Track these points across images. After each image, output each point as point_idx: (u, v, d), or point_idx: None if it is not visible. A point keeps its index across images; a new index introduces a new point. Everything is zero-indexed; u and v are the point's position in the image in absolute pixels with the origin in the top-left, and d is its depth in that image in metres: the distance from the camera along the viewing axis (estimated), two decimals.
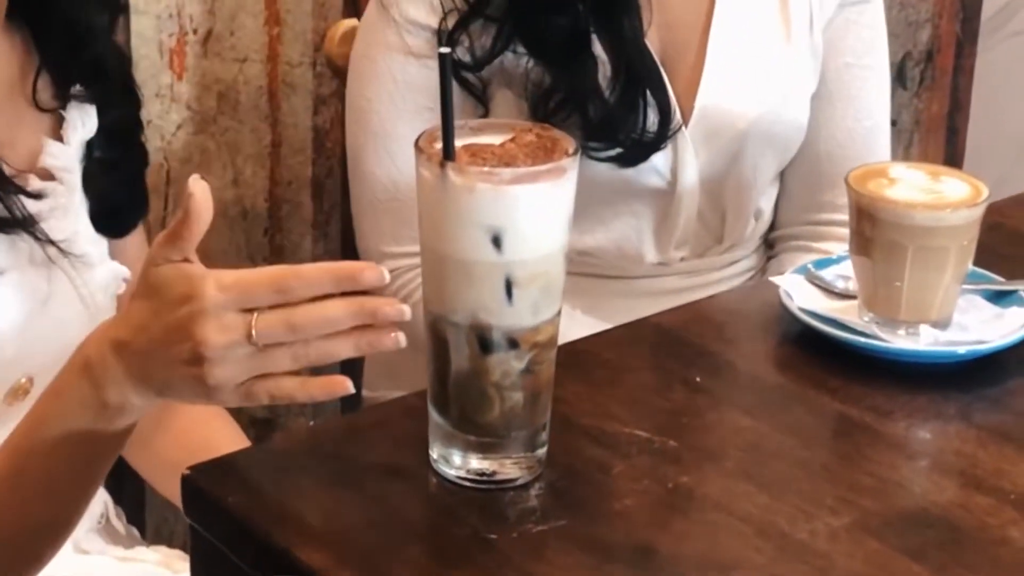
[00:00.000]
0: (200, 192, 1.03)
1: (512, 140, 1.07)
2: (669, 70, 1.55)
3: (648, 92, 1.51)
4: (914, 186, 1.27)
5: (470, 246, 1.02)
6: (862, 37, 1.64)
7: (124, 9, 1.46)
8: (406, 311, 1.00)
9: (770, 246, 1.71)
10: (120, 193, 1.41)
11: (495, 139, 1.07)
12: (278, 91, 2.04)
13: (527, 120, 1.47)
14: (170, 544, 2.06)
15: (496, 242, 1.01)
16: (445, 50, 1.02)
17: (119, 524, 1.54)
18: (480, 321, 1.03)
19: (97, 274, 1.36)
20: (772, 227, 1.70)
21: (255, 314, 1.01)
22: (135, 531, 1.57)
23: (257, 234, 2.08)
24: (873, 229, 1.25)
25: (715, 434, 1.15)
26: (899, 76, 2.67)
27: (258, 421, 2.14)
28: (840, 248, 1.46)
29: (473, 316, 1.03)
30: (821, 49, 1.61)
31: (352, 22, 1.80)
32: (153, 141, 1.94)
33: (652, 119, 1.52)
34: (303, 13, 2.02)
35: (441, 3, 1.52)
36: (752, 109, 1.57)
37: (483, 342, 1.04)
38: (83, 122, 1.36)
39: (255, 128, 2.03)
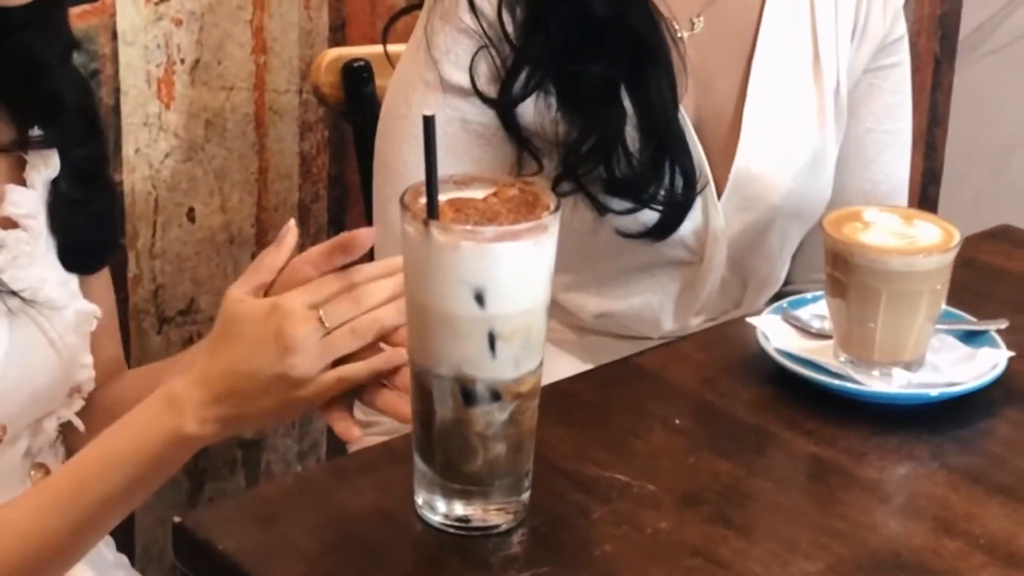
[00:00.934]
0: (291, 237, 1.19)
1: (495, 195, 1.09)
2: (706, 138, 1.54)
3: (673, 161, 1.50)
4: (888, 231, 1.30)
5: (454, 301, 1.05)
6: (885, 103, 1.63)
7: (77, 45, 1.44)
8: None
9: (778, 298, 1.70)
10: (89, 230, 1.41)
11: (479, 193, 1.10)
12: (265, 118, 2.05)
13: (559, 173, 1.50)
14: (159, 564, 2.10)
15: (479, 298, 1.04)
16: (429, 113, 1.04)
17: (108, 552, 1.55)
18: (464, 374, 1.06)
19: (66, 316, 1.36)
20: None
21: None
22: (125, 559, 1.59)
23: (245, 259, 2.10)
24: (847, 273, 1.28)
25: (693, 478, 1.18)
26: None
27: (246, 443, 2.17)
28: None
29: (457, 369, 1.06)
30: (845, 114, 1.61)
31: (338, 51, 1.82)
32: (141, 169, 1.95)
33: (679, 184, 1.52)
34: (289, 42, 2.04)
35: (492, 59, 1.50)
36: (785, 179, 1.56)
37: (467, 394, 1.06)
38: (45, 163, 1.36)
39: (242, 155, 2.05)
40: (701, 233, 1.55)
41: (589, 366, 1.55)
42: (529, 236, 1.05)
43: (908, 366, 1.29)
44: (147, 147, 1.96)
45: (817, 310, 1.38)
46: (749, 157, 1.55)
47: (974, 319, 1.37)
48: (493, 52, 1.50)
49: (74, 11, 1.82)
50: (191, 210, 2.01)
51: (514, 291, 1.05)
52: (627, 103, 1.51)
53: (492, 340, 1.05)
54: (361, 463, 1.20)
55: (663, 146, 1.51)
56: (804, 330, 1.36)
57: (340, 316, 1.13)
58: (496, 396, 1.07)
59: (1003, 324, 1.36)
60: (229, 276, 2.08)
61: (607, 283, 1.58)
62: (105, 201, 1.45)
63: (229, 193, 2.06)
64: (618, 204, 1.51)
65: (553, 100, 1.50)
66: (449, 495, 1.10)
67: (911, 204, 2.87)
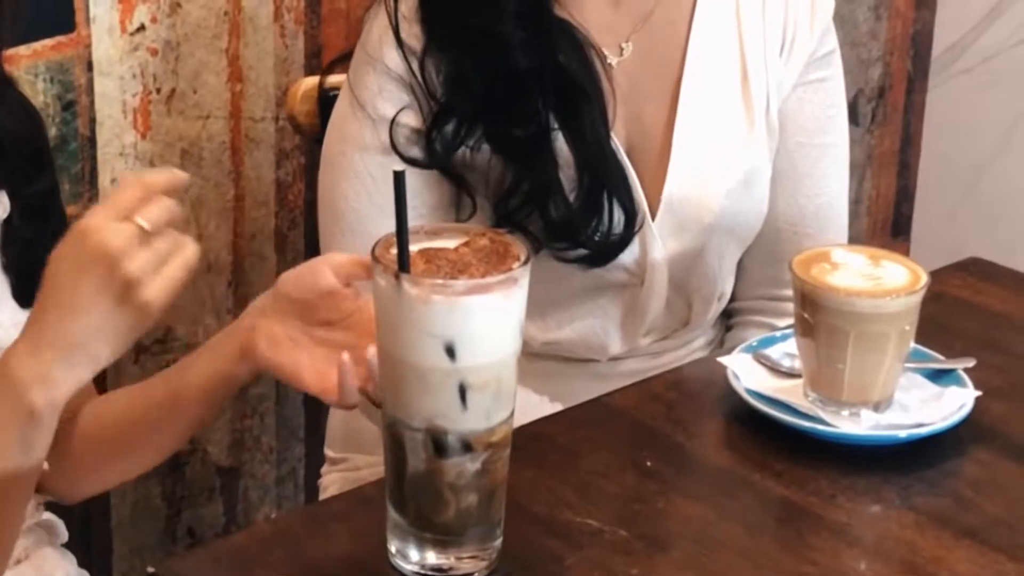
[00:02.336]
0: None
1: (466, 244, 1.10)
2: (637, 162, 1.55)
3: (611, 193, 1.51)
4: (855, 272, 1.31)
5: (425, 354, 1.06)
6: (815, 116, 1.63)
7: (9, 82, 1.41)
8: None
9: (727, 316, 1.73)
10: (43, 266, 1.41)
11: (450, 243, 1.11)
12: (241, 146, 2.06)
13: (494, 221, 1.50)
14: None
15: (449, 351, 1.05)
16: (399, 168, 1.05)
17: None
18: (436, 425, 1.07)
19: None
20: (729, 299, 1.71)
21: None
22: None
23: (221, 287, 2.10)
24: (816, 314, 1.29)
25: (664, 523, 1.19)
26: (852, 113, 2.70)
27: (224, 470, 2.17)
28: None
29: (429, 421, 1.07)
30: (776, 130, 1.61)
31: (313, 80, 1.81)
32: None
33: (617, 218, 1.52)
34: (265, 69, 2.04)
35: (418, 103, 1.51)
36: (718, 199, 1.56)
37: (438, 445, 1.07)
38: None
39: (218, 183, 2.05)
40: (640, 257, 1.56)
41: (544, 395, 1.57)
42: (500, 289, 1.06)
43: (877, 406, 1.30)
44: None
45: (787, 348, 1.39)
46: (680, 179, 1.55)
47: (942, 357, 1.39)
48: (417, 101, 1.52)
49: (49, 42, 1.85)
50: None
51: (484, 343, 1.06)
52: (561, 143, 1.51)
53: (463, 392, 1.06)
54: (335, 511, 1.20)
55: (599, 181, 1.51)
56: (774, 369, 1.37)
57: (156, 215, 1.10)
58: (468, 447, 1.08)
59: (970, 363, 1.38)
60: (206, 304, 2.08)
61: (549, 310, 1.58)
62: (59, 234, 1.44)
63: (205, 222, 2.06)
64: (557, 243, 1.52)
65: (485, 145, 1.51)
66: (422, 544, 1.11)
67: (884, 225, 2.92)
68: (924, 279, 1.30)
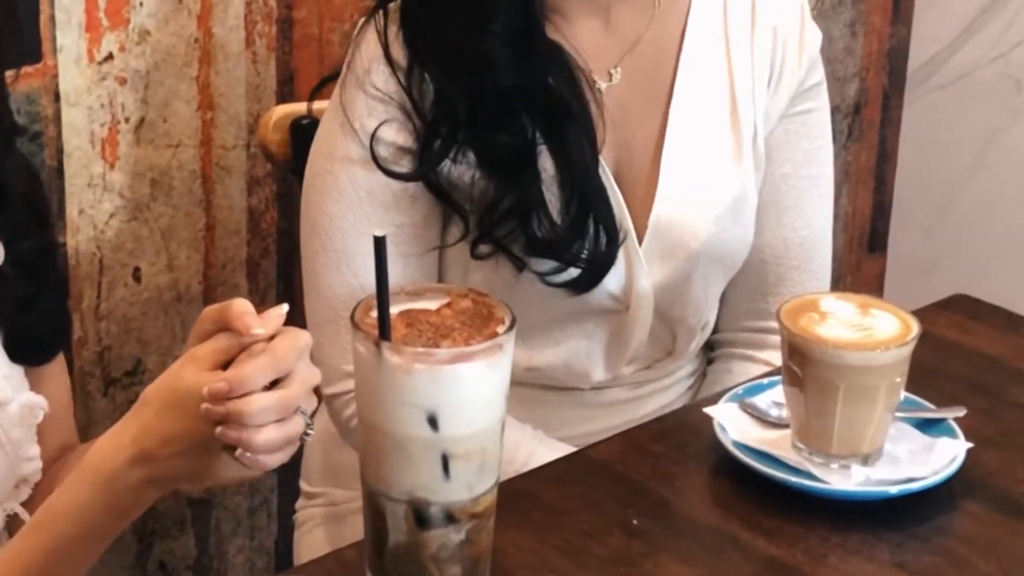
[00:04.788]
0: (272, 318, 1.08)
1: (448, 305, 1.07)
2: (625, 187, 1.54)
3: (596, 215, 1.49)
4: (844, 322, 1.28)
5: (406, 424, 1.02)
6: (801, 147, 1.62)
7: (15, 132, 1.40)
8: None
9: (708, 348, 1.71)
10: (37, 326, 1.37)
11: (431, 304, 1.08)
12: (212, 175, 2.03)
13: (477, 236, 1.48)
14: None
15: (432, 421, 1.02)
16: (380, 234, 1.02)
17: None
18: (417, 497, 1.04)
19: (11, 410, 1.33)
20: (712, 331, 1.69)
21: None
22: None
23: (192, 317, 2.05)
24: (804, 367, 1.26)
25: None
26: None
27: (195, 501, 2.14)
28: (777, 357, 1.47)
29: (410, 493, 1.04)
30: (763, 161, 1.60)
31: (286, 108, 1.79)
32: (85, 231, 1.92)
33: (602, 240, 1.50)
34: (236, 97, 2.01)
35: (407, 121, 1.49)
36: (705, 225, 1.55)
37: (420, 517, 1.04)
38: None
39: (189, 212, 2.02)
40: (626, 283, 1.54)
41: (527, 423, 1.55)
42: (484, 356, 1.03)
43: (866, 458, 1.28)
44: (91, 208, 1.93)
45: (775, 396, 1.36)
46: (668, 204, 1.54)
47: (932, 406, 1.36)
48: (406, 118, 1.50)
49: (13, 73, 1.81)
50: (137, 270, 1.98)
51: (468, 412, 1.03)
52: (547, 161, 1.50)
53: (446, 463, 1.03)
54: None
55: (584, 203, 1.50)
56: (761, 419, 1.35)
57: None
58: (451, 519, 1.05)
59: (960, 412, 1.35)
60: (177, 335, 2.05)
61: (532, 335, 1.56)
62: (56, 296, 1.42)
63: (176, 251, 2.03)
64: (539, 264, 1.51)
65: (471, 159, 1.50)
66: None
67: (861, 240, 2.90)
68: (915, 329, 1.27)
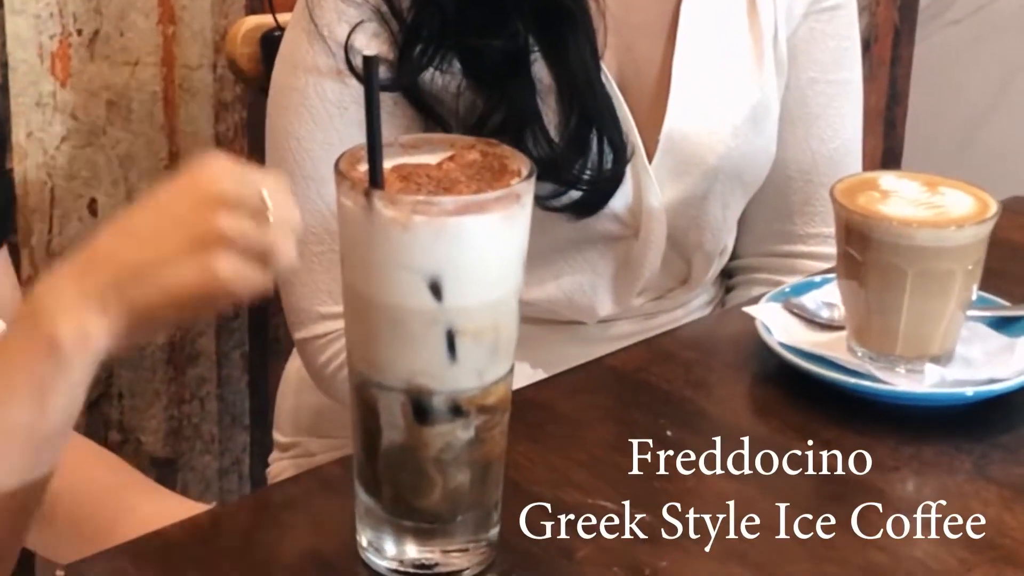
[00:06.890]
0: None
1: (451, 159, 0.90)
2: (630, 98, 1.39)
3: (600, 129, 1.35)
4: (910, 200, 1.11)
5: (403, 293, 0.84)
6: (829, 48, 1.49)
7: None
8: None
9: (728, 275, 1.57)
10: None
11: (431, 158, 0.90)
12: (175, 97, 1.91)
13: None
14: None
15: (435, 289, 0.84)
16: (370, 54, 0.83)
17: None
18: (416, 385, 0.86)
19: None
20: (730, 256, 1.55)
21: None
22: None
23: None
24: (865, 251, 1.09)
25: (692, 503, 0.98)
26: None
27: (159, 461, 1.99)
28: None
29: (408, 379, 0.86)
30: (786, 64, 1.46)
31: (256, 19, 1.66)
32: (34, 156, 1.81)
33: (607, 158, 1.36)
34: (201, 10, 1.90)
35: (382, 25, 1.35)
36: (723, 138, 1.41)
37: (420, 410, 0.86)
38: None
39: (150, 139, 1.90)
40: (634, 205, 1.40)
41: (524, 362, 1.41)
42: (498, 207, 0.85)
43: (936, 360, 1.11)
44: (40, 131, 1.83)
45: (825, 296, 1.19)
46: (681, 116, 1.40)
47: (1007, 303, 1.19)
48: (382, 22, 1.35)
49: None
50: (93, 202, 1.87)
51: (479, 278, 0.85)
52: (542, 70, 1.36)
53: (451, 341, 0.85)
54: (289, 496, 0.99)
55: (586, 116, 1.36)
56: (811, 320, 1.18)
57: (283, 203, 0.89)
58: (457, 411, 0.86)
59: None
60: None
61: (530, 266, 1.39)
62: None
63: (135, 182, 1.92)
64: (536, 187, 1.34)
65: (457, 67, 1.35)
66: (400, 535, 0.90)
67: None
68: (994, 207, 1.10)
